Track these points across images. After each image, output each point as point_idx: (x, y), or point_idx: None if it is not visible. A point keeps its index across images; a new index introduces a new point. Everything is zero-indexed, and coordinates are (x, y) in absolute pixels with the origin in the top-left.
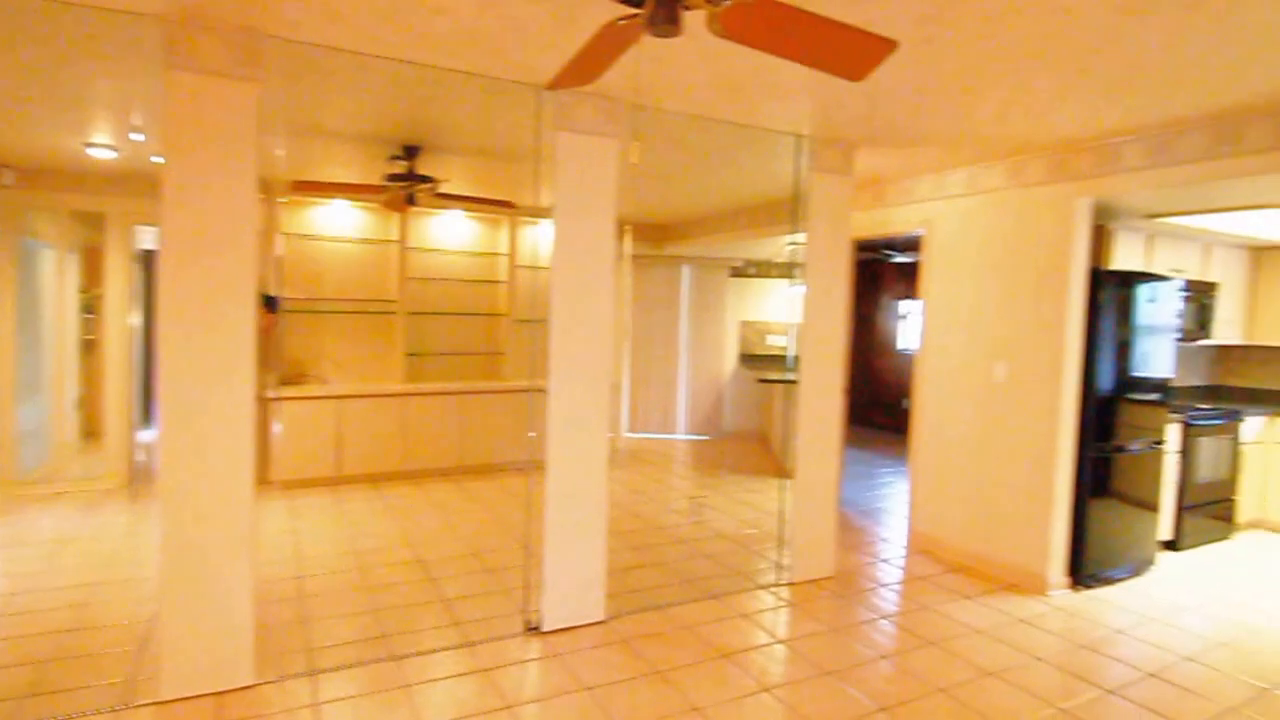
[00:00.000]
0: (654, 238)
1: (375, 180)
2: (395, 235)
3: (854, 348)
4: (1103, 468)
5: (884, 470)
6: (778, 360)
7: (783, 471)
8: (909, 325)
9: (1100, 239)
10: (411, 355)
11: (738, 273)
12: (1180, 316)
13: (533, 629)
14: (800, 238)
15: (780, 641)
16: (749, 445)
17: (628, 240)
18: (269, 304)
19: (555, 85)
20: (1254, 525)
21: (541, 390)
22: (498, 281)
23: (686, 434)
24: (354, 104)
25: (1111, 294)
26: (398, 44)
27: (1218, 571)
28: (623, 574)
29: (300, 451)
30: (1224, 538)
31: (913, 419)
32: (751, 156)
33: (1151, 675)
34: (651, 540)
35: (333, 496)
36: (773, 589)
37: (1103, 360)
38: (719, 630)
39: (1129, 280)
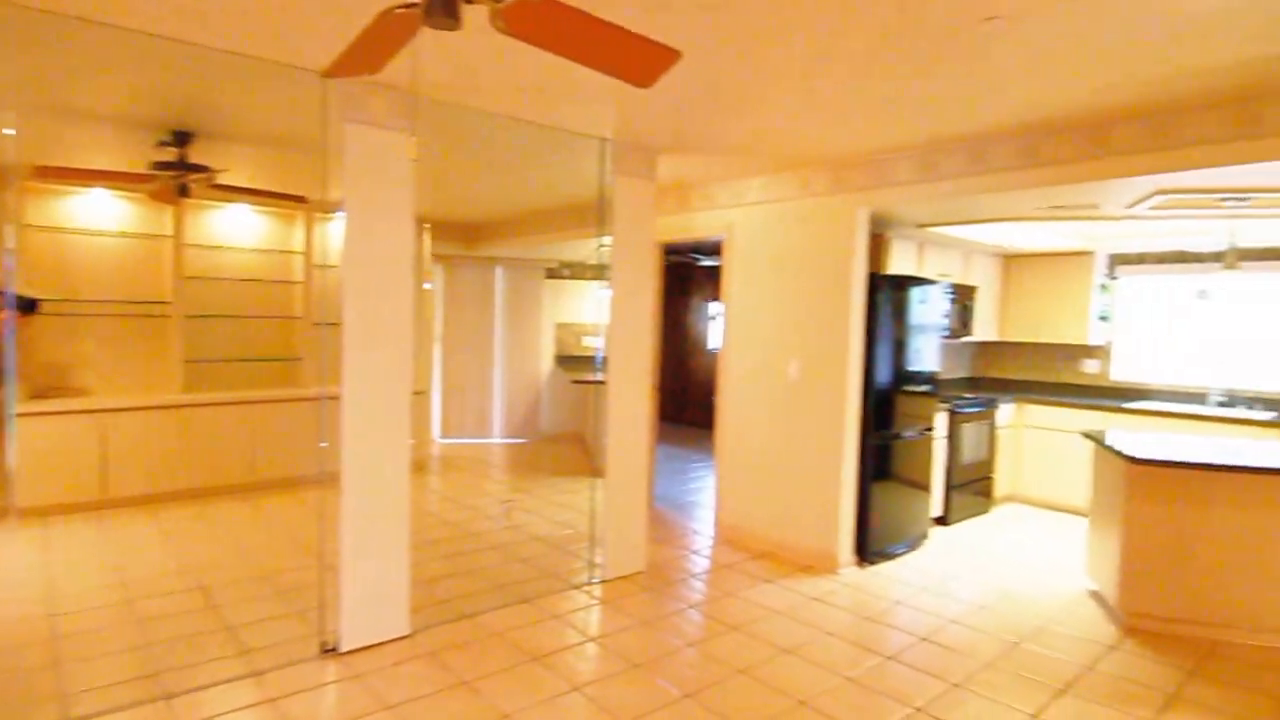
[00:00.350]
0: (465, 238)
1: (140, 168)
2: (169, 230)
3: (667, 348)
4: (883, 454)
5: (696, 465)
6: (593, 361)
7: (598, 471)
8: (717, 326)
9: (878, 246)
10: (192, 362)
11: (553, 274)
12: (946, 316)
13: (329, 650)
14: (609, 240)
15: (592, 639)
16: (566, 447)
17: (427, 239)
18: (23, 305)
19: (333, 73)
20: (1009, 499)
21: (336, 397)
22: (293, 282)
23: (503, 438)
24: (110, 81)
25: (888, 296)
26: (157, 17)
27: (980, 542)
28: (431, 584)
29: (56, 473)
30: (985, 511)
31: (718, 415)
32: (558, 158)
33: (924, 639)
34: (463, 548)
35: (97, 523)
36: (586, 588)
37: (881, 357)
38: (531, 634)
39: (903, 284)
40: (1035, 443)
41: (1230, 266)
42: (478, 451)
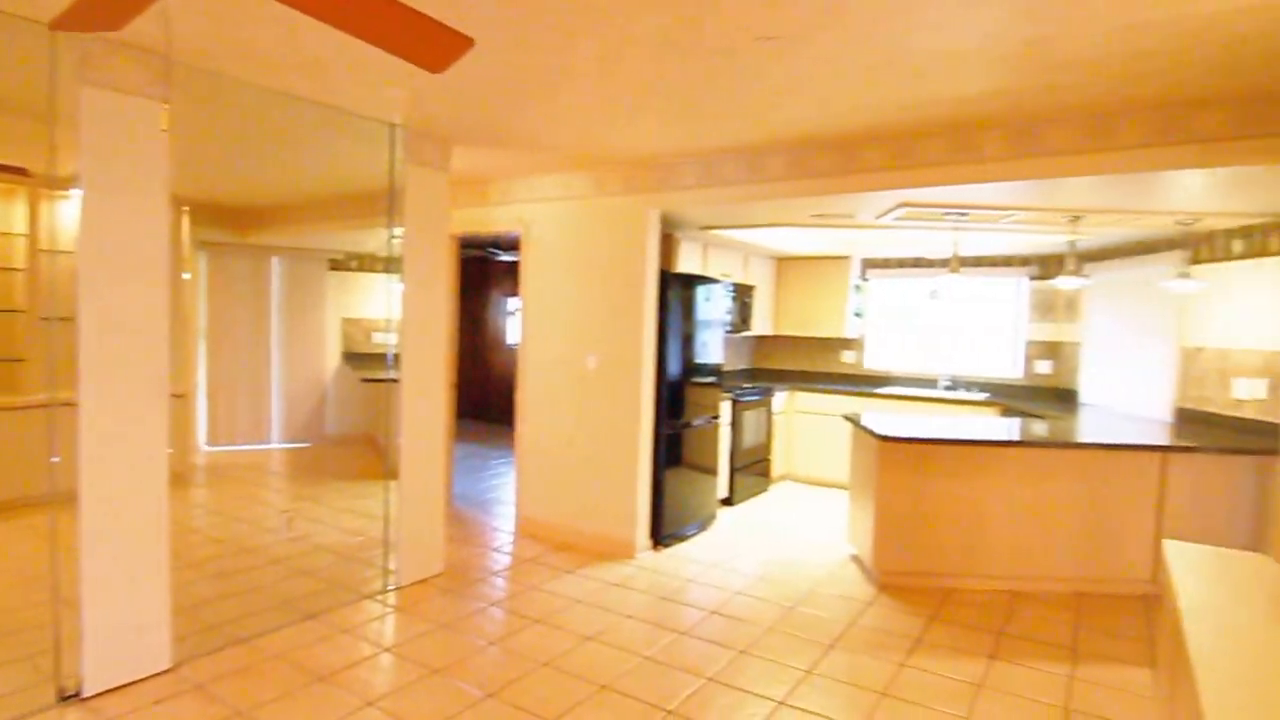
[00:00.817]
0: (235, 223)
1: None
2: None
3: (465, 344)
4: (675, 442)
5: (497, 461)
6: (385, 358)
7: (392, 473)
8: (517, 321)
9: (668, 245)
10: None
11: (338, 266)
12: (729, 313)
13: (70, 696)
14: (400, 232)
15: (387, 650)
16: (355, 449)
17: (187, 223)
18: None
19: (62, 25)
20: (784, 478)
21: (71, 404)
22: (14, 269)
23: (283, 442)
24: None
25: (678, 293)
26: None
27: (761, 519)
28: (198, 609)
29: None
30: (764, 490)
31: (517, 410)
32: (345, 142)
33: (714, 612)
34: (237, 565)
35: None
36: (380, 596)
37: (673, 350)
38: (317, 652)
39: (691, 282)
40: (804, 426)
41: (954, 270)
42: (253, 458)
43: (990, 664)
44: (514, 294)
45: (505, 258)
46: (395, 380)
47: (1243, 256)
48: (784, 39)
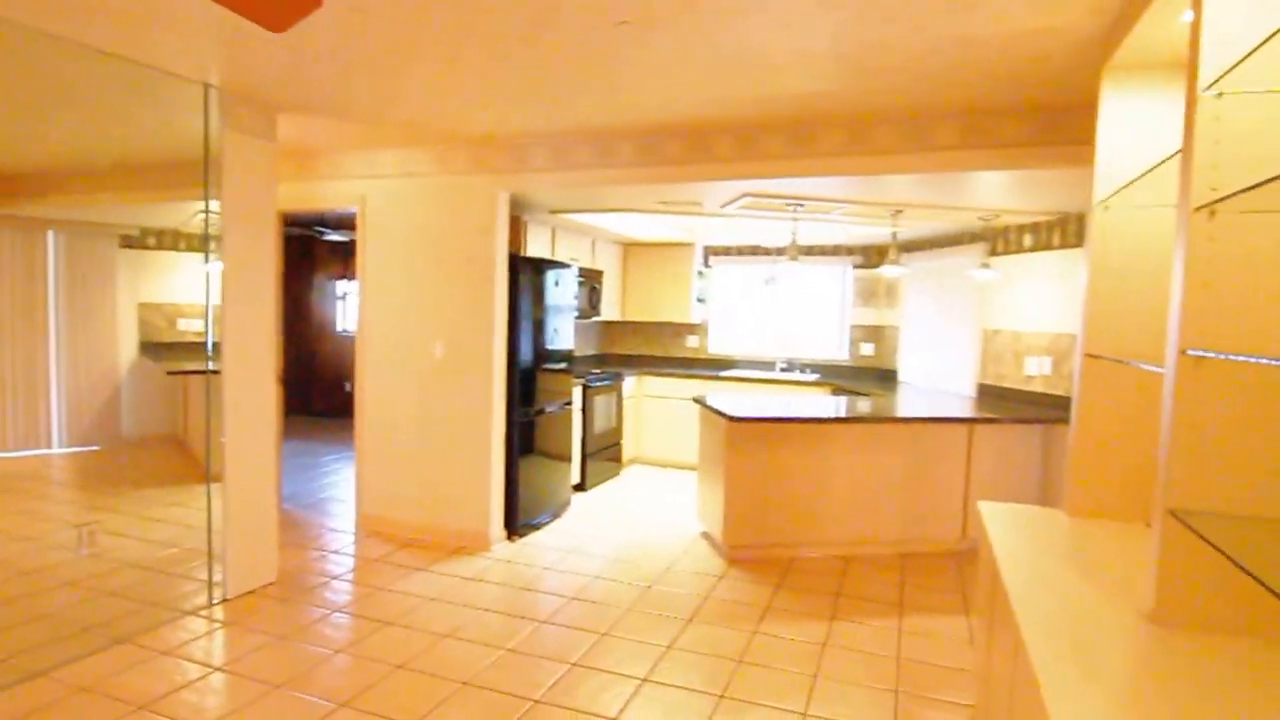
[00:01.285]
0: None
1: None
2: None
3: (290, 332)
4: (528, 430)
5: (331, 458)
6: (195, 348)
7: (211, 475)
8: (349, 306)
9: (516, 228)
10: None
11: (132, 243)
12: (578, 298)
13: None
14: (215, 206)
15: (218, 669)
16: (161, 450)
17: None
18: None
19: None
20: (634, 461)
21: None
22: None
23: (67, 446)
24: None
25: (528, 278)
26: None
27: (613, 503)
28: None
29: None
30: (615, 475)
31: (357, 401)
32: (146, 102)
33: (573, 599)
34: (23, 590)
35: None
36: (204, 612)
37: (524, 336)
38: (135, 679)
39: (541, 266)
40: (653, 410)
41: (794, 258)
42: (28, 466)
43: (831, 624)
44: (343, 276)
45: (334, 237)
46: (214, 372)
47: (1032, 249)
48: (639, 24)
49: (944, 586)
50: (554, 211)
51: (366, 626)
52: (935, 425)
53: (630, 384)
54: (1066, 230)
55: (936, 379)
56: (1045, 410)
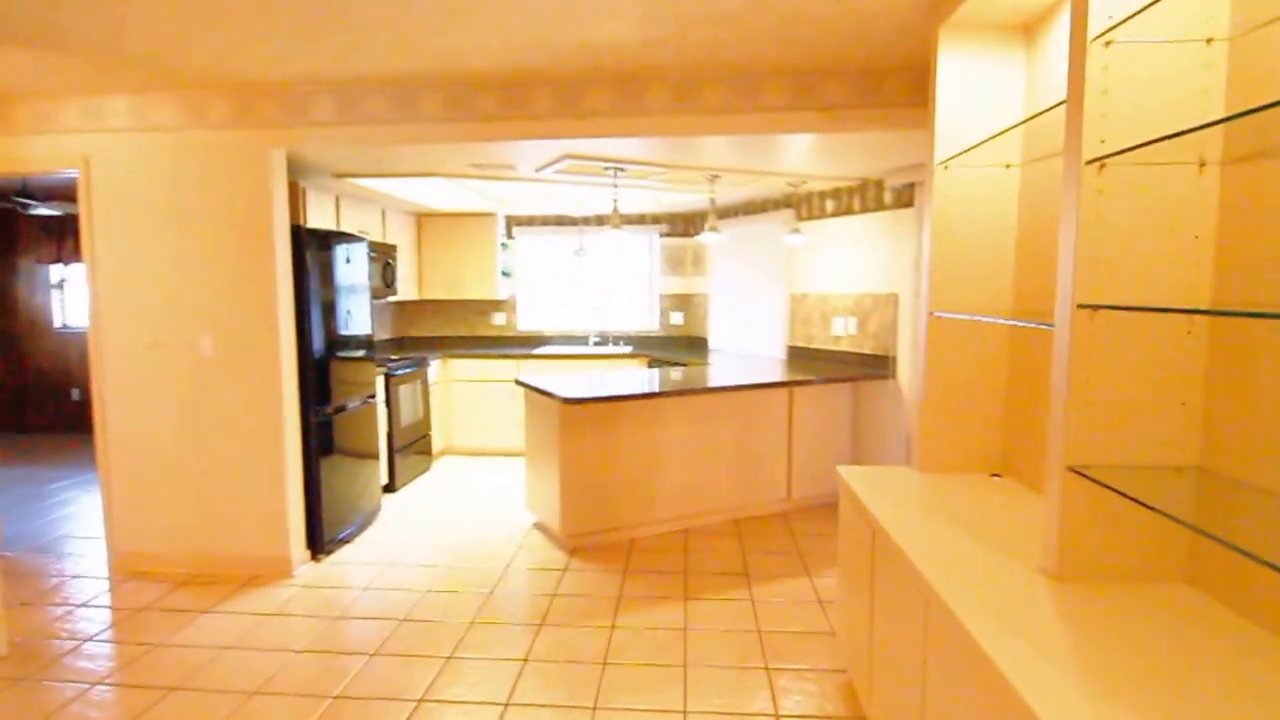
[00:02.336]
0: None
1: None
2: None
3: None
4: (327, 430)
5: (61, 485)
6: None
7: None
8: (71, 297)
9: (294, 196)
10: None
11: None
12: (371, 276)
13: None
14: None
15: None
16: None
17: None
18: None
19: None
20: (445, 452)
21: None
22: None
23: None
24: None
25: (315, 254)
26: None
27: (429, 501)
28: None
29: None
30: (427, 469)
31: (96, 414)
32: None
33: (404, 620)
34: None
35: None
36: None
37: (315, 322)
38: None
39: (328, 240)
40: (461, 396)
41: (616, 226)
42: None
43: (686, 605)
44: (59, 260)
45: (44, 211)
46: None
47: (834, 214)
48: None
49: (780, 548)
50: (339, 175)
51: (143, 699)
52: (761, 391)
53: (435, 368)
54: (866, 195)
55: (748, 344)
56: (854, 368)
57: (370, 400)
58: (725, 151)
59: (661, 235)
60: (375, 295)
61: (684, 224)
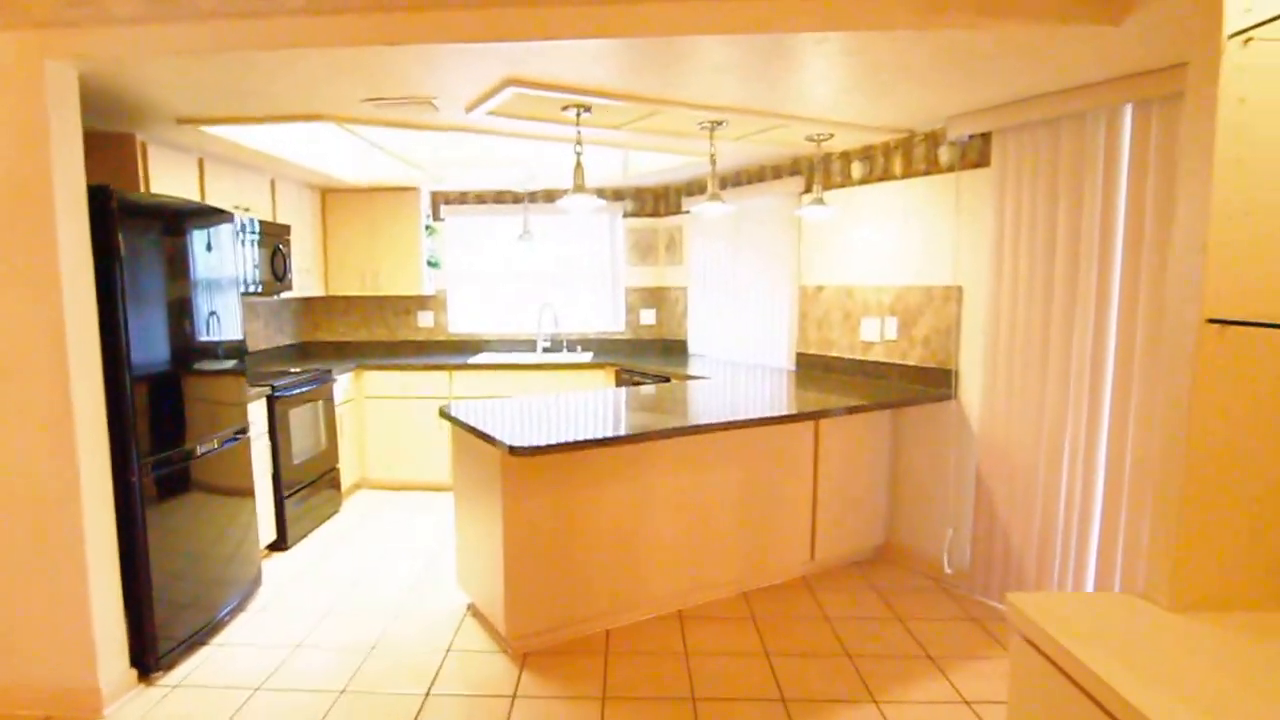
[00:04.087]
0: None
1: None
2: None
3: None
4: (171, 485)
5: None
6: None
7: None
8: None
9: (125, 154)
10: None
11: None
12: (255, 266)
13: None
14: None
15: None
16: None
17: None
18: None
19: None
20: (360, 486)
21: None
22: None
23: None
24: None
25: (149, 235)
26: None
27: (331, 561)
28: None
29: None
30: (334, 512)
31: None
32: None
33: None
34: None
35: None
36: None
37: (147, 332)
38: None
39: (176, 216)
40: (379, 416)
41: (581, 190)
42: None
43: None
44: None
45: None
46: None
47: (863, 181)
48: None
49: (817, 645)
50: (184, 121)
51: None
52: (777, 426)
53: (345, 384)
54: (913, 154)
55: (741, 349)
56: (896, 385)
57: (241, 436)
58: (730, 84)
59: (626, 215)
60: (263, 290)
61: (653, 201)
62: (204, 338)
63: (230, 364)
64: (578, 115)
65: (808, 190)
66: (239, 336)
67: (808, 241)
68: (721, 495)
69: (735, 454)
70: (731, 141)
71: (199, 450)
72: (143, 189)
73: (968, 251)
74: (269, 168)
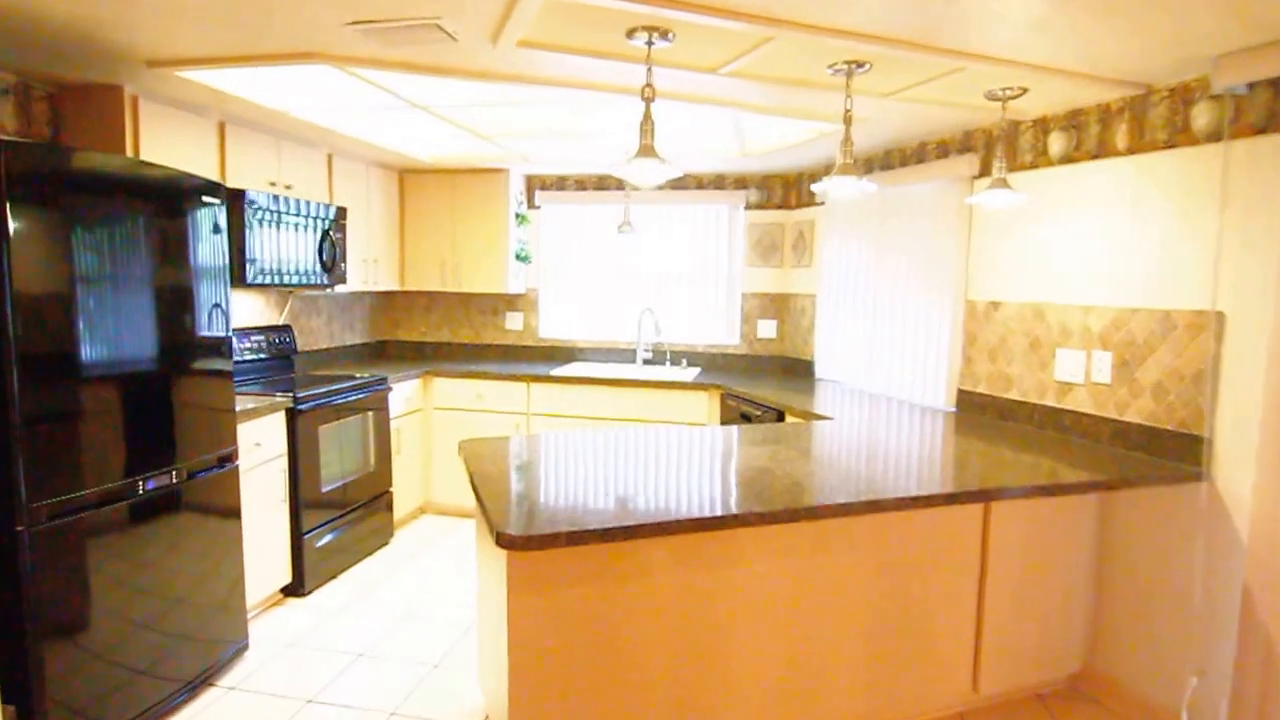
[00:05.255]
0: None
1: None
2: None
3: None
4: (86, 537)
5: None
6: None
7: None
8: None
9: (112, 110)
10: None
11: None
12: (324, 254)
13: None
14: None
15: None
16: None
17: None
18: None
19: None
20: (422, 511)
21: None
22: None
23: None
24: None
25: (79, 207)
26: None
27: (357, 610)
28: None
29: None
30: (383, 544)
31: None
32: None
33: None
34: None
35: None
36: None
37: (45, 329)
38: None
39: (126, 185)
40: (447, 429)
41: (647, 153)
42: None
43: None
44: None
45: None
46: None
47: (1065, 160)
48: None
49: None
50: (155, 64)
51: None
52: (933, 507)
53: (408, 392)
54: (1146, 119)
55: (882, 378)
56: (1107, 448)
57: (227, 464)
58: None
59: (748, 206)
60: (326, 280)
61: (782, 190)
62: (160, 337)
63: (206, 370)
64: (649, 44)
65: (984, 173)
66: (221, 334)
67: (981, 241)
68: (843, 599)
69: (866, 541)
70: (878, 98)
71: (146, 486)
72: (134, 152)
73: (1237, 261)
74: (323, 141)
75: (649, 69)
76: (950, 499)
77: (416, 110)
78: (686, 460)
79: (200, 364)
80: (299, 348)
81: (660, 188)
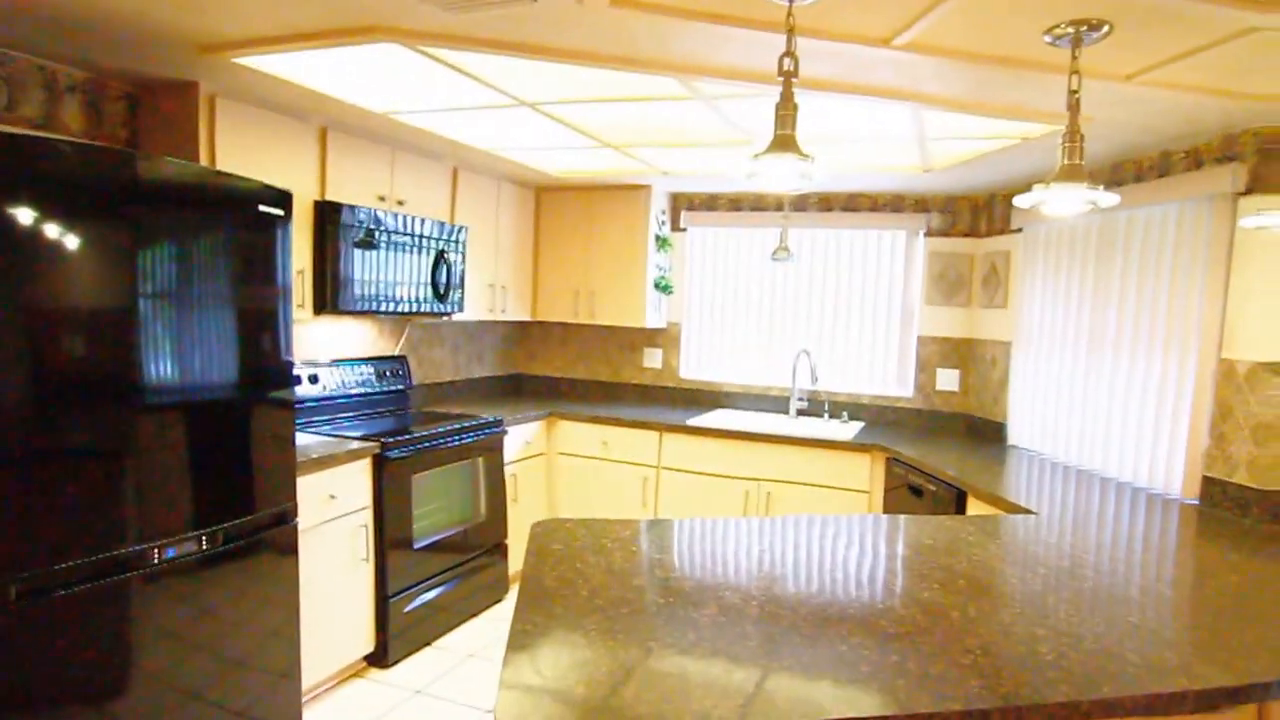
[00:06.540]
0: None
1: None
2: None
3: None
4: (70, 618)
5: None
6: None
7: None
8: None
9: (185, 112)
10: None
11: None
12: (438, 278)
13: None
14: None
15: None
16: None
17: None
18: None
19: None
20: None
21: None
22: None
23: None
24: None
25: (60, 211)
26: None
27: (441, 688)
28: None
29: None
30: (496, 600)
31: None
32: None
33: None
34: None
35: None
36: None
37: (22, 356)
38: None
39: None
40: (571, 477)
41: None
42: None
43: None
44: None
45: None
46: None
47: None
48: None
49: None
50: (206, 50)
51: None
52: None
53: (528, 435)
54: None
55: (1093, 453)
56: None
57: (283, 523)
58: None
59: (929, 233)
60: (441, 308)
61: (970, 214)
62: (192, 373)
63: (251, 413)
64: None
65: (1255, 188)
66: (277, 366)
67: (1245, 281)
68: None
69: None
70: (1117, 83)
71: (164, 554)
72: (205, 162)
73: None
74: (449, 153)
75: (789, 34)
76: (1206, 697)
77: (523, 109)
78: (816, 580)
79: (244, 407)
80: (419, 380)
81: (829, 209)
